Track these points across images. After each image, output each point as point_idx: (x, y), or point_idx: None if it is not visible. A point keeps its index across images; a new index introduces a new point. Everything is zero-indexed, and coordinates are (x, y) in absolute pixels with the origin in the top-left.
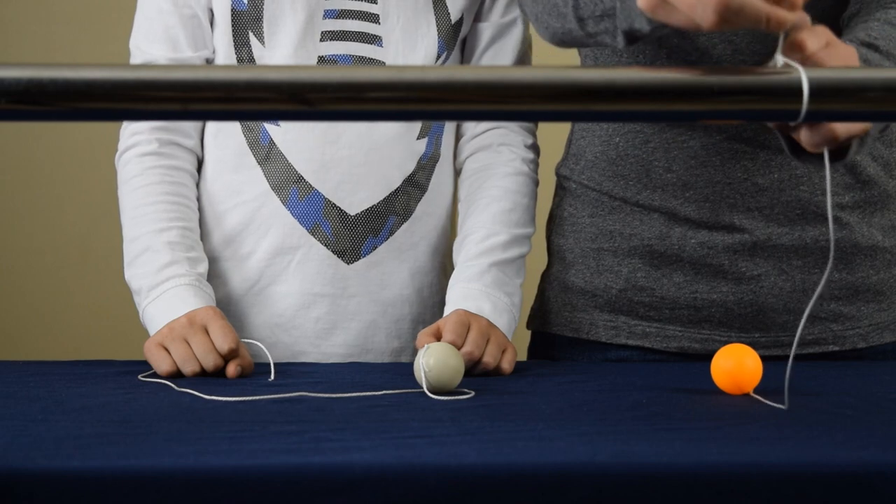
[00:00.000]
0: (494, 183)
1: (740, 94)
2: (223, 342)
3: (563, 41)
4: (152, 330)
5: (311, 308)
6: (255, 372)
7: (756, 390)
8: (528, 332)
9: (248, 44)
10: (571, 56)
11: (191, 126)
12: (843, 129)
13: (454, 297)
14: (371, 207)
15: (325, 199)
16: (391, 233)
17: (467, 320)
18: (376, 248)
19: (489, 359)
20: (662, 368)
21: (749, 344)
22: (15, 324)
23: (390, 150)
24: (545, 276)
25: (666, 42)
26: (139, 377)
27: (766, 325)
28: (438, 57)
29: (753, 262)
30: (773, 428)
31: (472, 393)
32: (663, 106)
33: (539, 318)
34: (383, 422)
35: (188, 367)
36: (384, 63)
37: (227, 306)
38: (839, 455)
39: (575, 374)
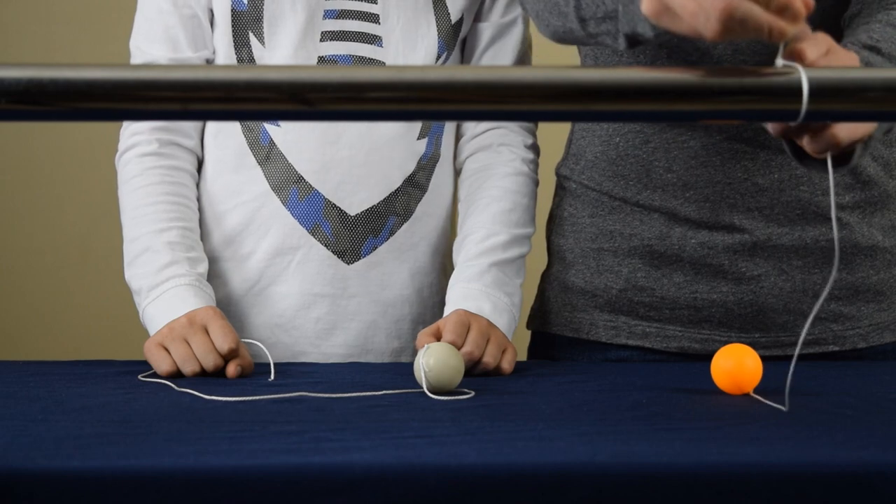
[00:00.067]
0: (494, 183)
1: (740, 94)
2: (223, 342)
3: (563, 39)
4: (152, 330)
5: (312, 308)
6: (255, 372)
7: (756, 390)
8: (528, 332)
9: (248, 44)
10: (571, 56)
11: (191, 126)
12: (845, 134)
13: (454, 297)
14: (371, 208)
15: (326, 199)
16: (391, 233)
17: (467, 320)
18: (376, 248)
19: (489, 359)
20: (662, 368)
21: (749, 344)
22: (15, 324)
23: (390, 150)
24: (545, 276)
25: (666, 42)
26: (139, 377)
27: (766, 325)
28: (438, 57)
29: (753, 263)
30: (773, 428)
31: (472, 393)
32: (663, 106)
33: (539, 318)
34: (383, 422)
35: (188, 367)
36: (384, 63)
37: (228, 306)
38: (839, 455)
39: (575, 374)
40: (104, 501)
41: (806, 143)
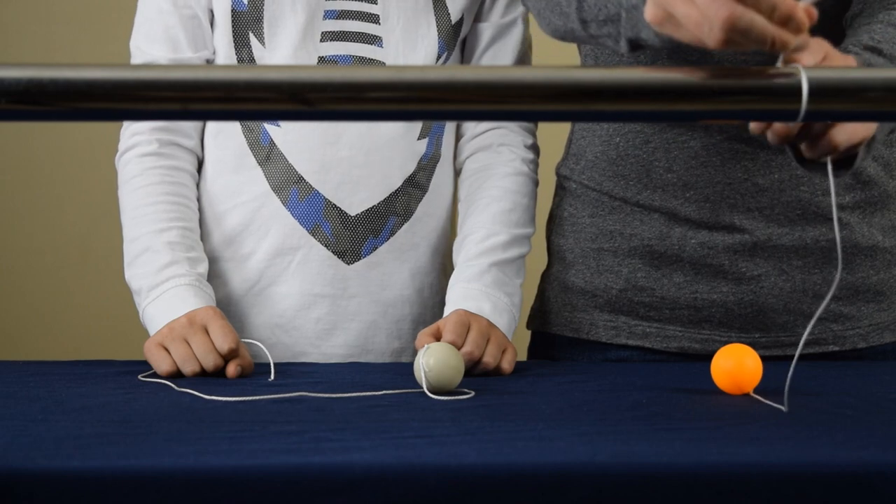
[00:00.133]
0: (494, 183)
1: (740, 94)
2: (223, 342)
3: (564, 37)
4: (152, 330)
5: (312, 308)
6: (255, 372)
7: (756, 390)
8: (528, 332)
9: (248, 44)
10: (571, 56)
11: (191, 126)
12: (843, 139)
13: (454, 297)
14: (371, 208)
15: (326, 199)
16: (392, 233)
17: (467, 320)
18: (377, 248)
19: (489, 359)
20: (662, 368)
21: (749, 344)
22: (15, 324)
23: (391, 150)
24: (545, 276)
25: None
26: (139, 377)
27: (766, 325)
28: (439, 57)
29: (754, 263)
30: (773, 428)
31: (472, 393)
32: (663, 106)
33: (539, 318)
34: (383, 422)
35: (188, 367)
36: (384, 63)
37: (228, 307)
38: (839, 455)
39: (575, 374)
40: (104, 501)
41: (805, 148)
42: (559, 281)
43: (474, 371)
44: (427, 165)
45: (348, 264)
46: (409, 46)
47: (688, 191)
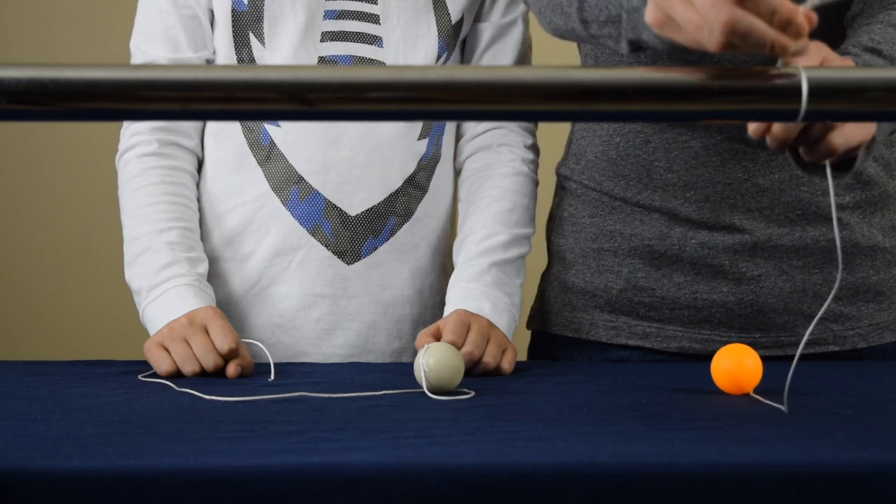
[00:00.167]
0: (494, 183)
1: (740, 94)
2: (223, 342)
3: (564, 36)
4: (152, 330)
5: (312, 309)
6: (255, 372)
7: (756, 390)
8: (528, 332)
9: (248, 44)
10: (571, 56)
11: (191, 126)
12: (841, 142)
13: (454, 297)
14: (371, 208)
15: (326, 199)
16: (392, 233)
17: (467, 320)
18: (377, 248)
19: (489, 359)
20: (662, 368)
21: (749, 344)
22: (15, 324)
23: (391, 150)
24: (545, 276)
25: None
26: (139, 377)
27: (766, 325)
28: (439, 57)
29: (754, 263)
30: (773, 428)
31: (472, 393)
32: (663, 106)
33: (539, 318)
34: (383, 422)
35: (188, 367)
36: (384, 63)
37: (228, 307)
38: (839, 455)
39: (575, 374)
40: (104, 501)
41: (803, 152)
42: (559, 281)
43: (474, 371)
44: (427, 166)
45: (348, 264)
46: (409, 46)
47: (688, 191)
